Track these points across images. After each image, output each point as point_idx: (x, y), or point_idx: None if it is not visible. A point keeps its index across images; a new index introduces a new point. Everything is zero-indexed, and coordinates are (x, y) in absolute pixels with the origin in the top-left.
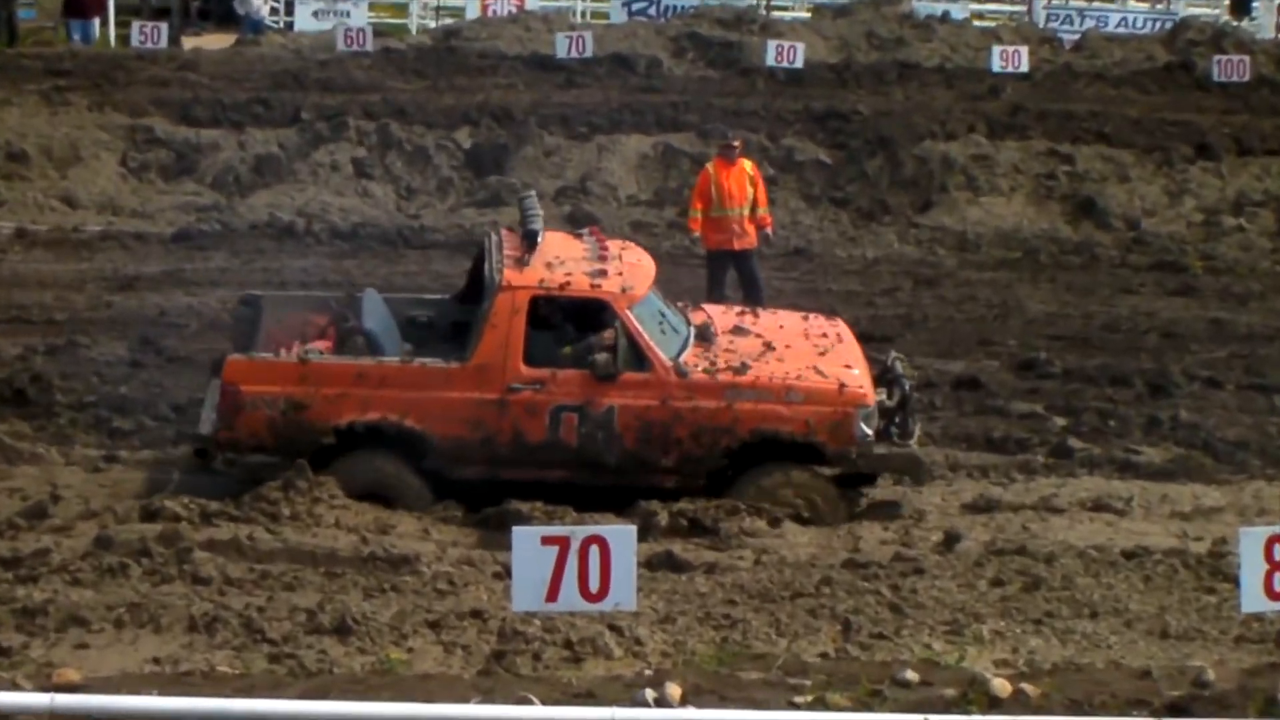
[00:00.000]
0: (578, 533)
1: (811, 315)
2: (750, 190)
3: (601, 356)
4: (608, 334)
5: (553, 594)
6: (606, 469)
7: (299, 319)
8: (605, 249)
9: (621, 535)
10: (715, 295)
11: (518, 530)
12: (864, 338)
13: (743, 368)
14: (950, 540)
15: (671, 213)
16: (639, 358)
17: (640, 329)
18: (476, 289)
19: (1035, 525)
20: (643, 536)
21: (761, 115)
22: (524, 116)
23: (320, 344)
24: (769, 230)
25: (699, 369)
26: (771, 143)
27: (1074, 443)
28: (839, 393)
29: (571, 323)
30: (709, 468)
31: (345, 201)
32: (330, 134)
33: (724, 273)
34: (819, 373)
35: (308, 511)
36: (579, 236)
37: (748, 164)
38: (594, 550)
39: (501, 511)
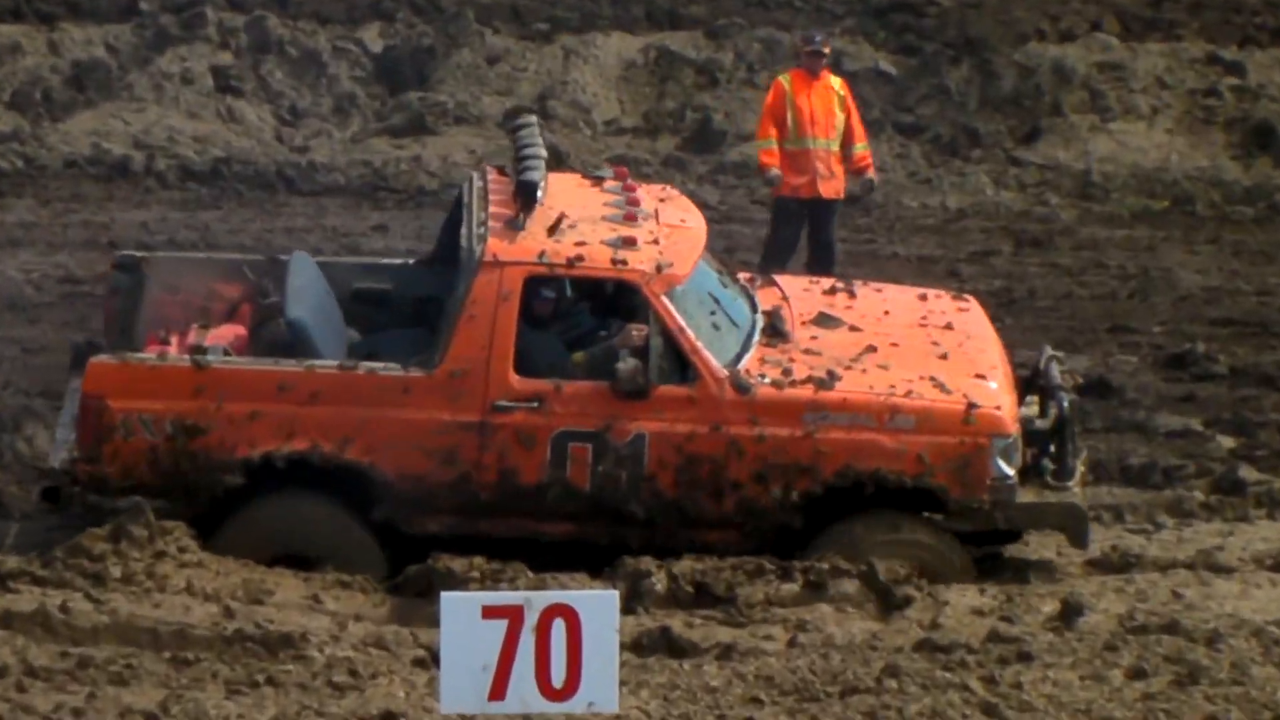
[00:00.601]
0: (535, 601)
1: (932, 294)
2: (840, 117)
3: (627, 363)
4: (636, 331)
5: (498, 690)
6: (632, 522)
7: (198, 294)
8: (635, 202)
9: (598, 605)
10: (778, 261)
11: (448, 597)
12: None
13: (830, 378)
14: (1070, 612)
15: (669, 144)
16: (681, 364)
17: (683, 323)
18: (452, 254)
19: (1192, 591)
20: (629, 607)
21: (797, 6)
22: (457, 7)
23: (224, 333)
24: (871, 175)
25: (767, 380)
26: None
27: (1247, 473)
28: (967, 415)
29: (584, 314)
30: (779, 521)
31: (202, 128)
32: (181, 31)
33: (797, 230)
34: (939, 385)
35: (146, 571)
36: (597, 182)
37: (836, 81)
38: (558, 626)
39: (425, 570)
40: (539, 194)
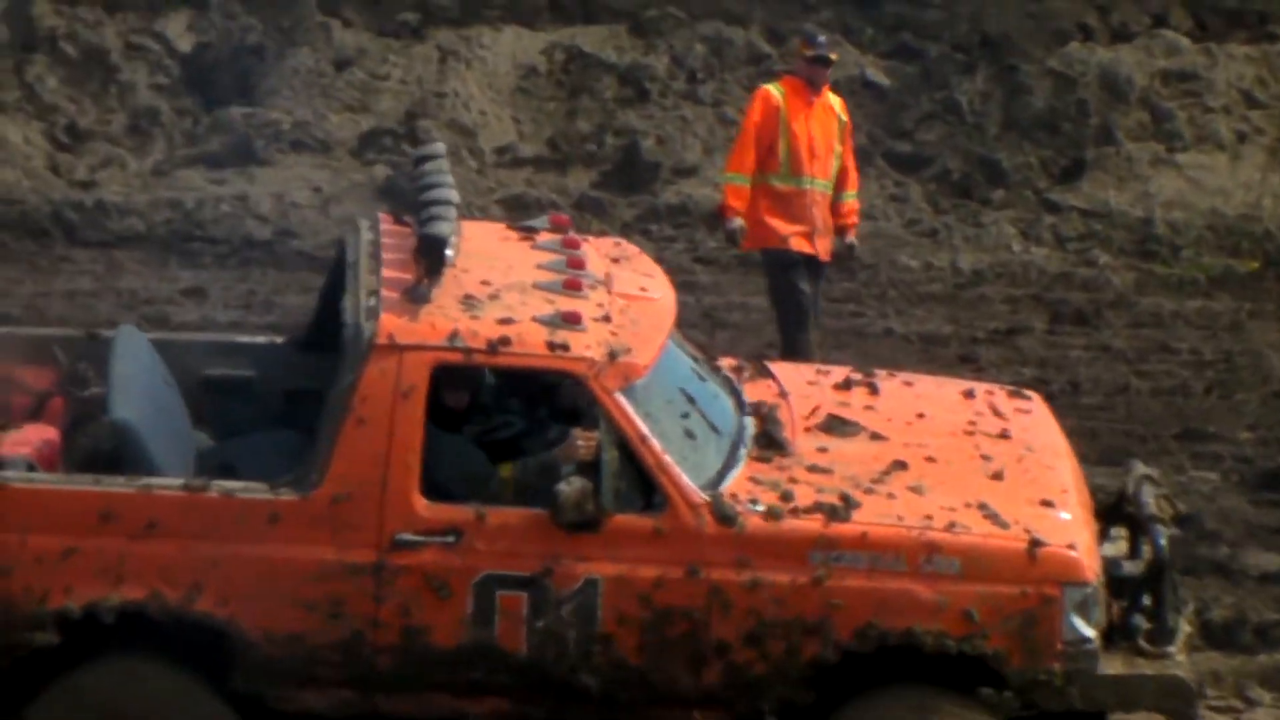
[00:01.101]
0: None
1: (980, 389)
2: (838, 150)
3: (571, 484)
4: (583, 440)
5: None
6: (583, 695)
7: None
8: (579, 264)
9: None
10: (796, 330)
11: None
12: None
13: (845, 506)
14: None
15: (583, 180)
16: (644, 486)
17: (645, 430)
18: (333, 332)
19: None
20: None
21: None
22: None
23: (27, 438)
24: (853, 237)
25: (760, 508)
26: (775, 45)
27: None
28: (1030, 556)
29: (514, 415)
30: (779, 698)
31: None
32: None
33: (804, 282)
34: (991, 516)
35: None
36: (527, 234)
37: (836, 101)
38: None
39: None
40: (449, 252)
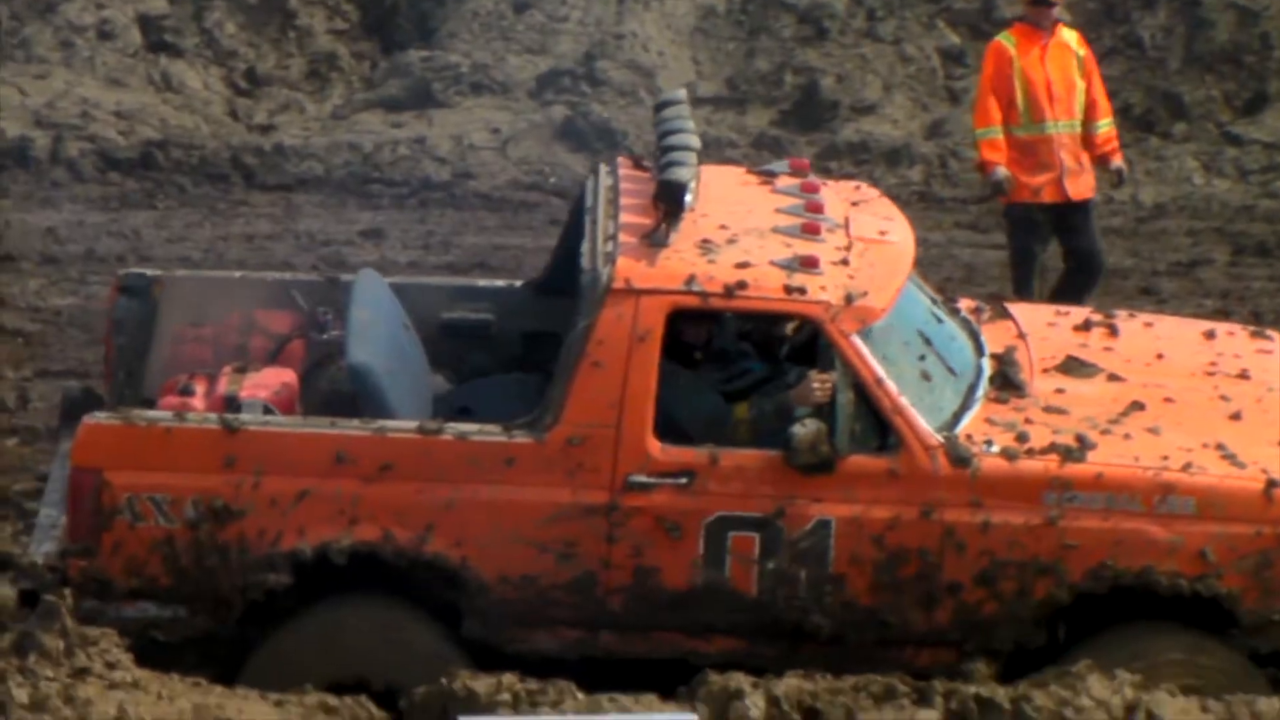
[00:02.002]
0: None
1: (1221, 329)
2: (1081, 86)
3: (806, 426)
4: (819, 382)
5: None
6: (814, 635)
7: (231, 324)
8: (818, 208)
9: None
10: (1024, 284)
11: None
12: None
13: (1081, 446)
14: None
15: (762, 119)
16: (879, 428)
17: (881, 372)
18: (571, 276)
19: None
20: None
21: None
22: None
23: (265, 382)
24: (1119, 161)
25: (995, 449)
26: None
27: None
28: (1266, 498)
29: (749, 358)
30: (1011, 637)
31: (128, 100)
32: None
33: (1042, 245)
34: (1229, 456)
35: (63, 694)
36: (766, 179)
37: (1071, 36)
38: None
39: (439, 691)
40: (689, 197)
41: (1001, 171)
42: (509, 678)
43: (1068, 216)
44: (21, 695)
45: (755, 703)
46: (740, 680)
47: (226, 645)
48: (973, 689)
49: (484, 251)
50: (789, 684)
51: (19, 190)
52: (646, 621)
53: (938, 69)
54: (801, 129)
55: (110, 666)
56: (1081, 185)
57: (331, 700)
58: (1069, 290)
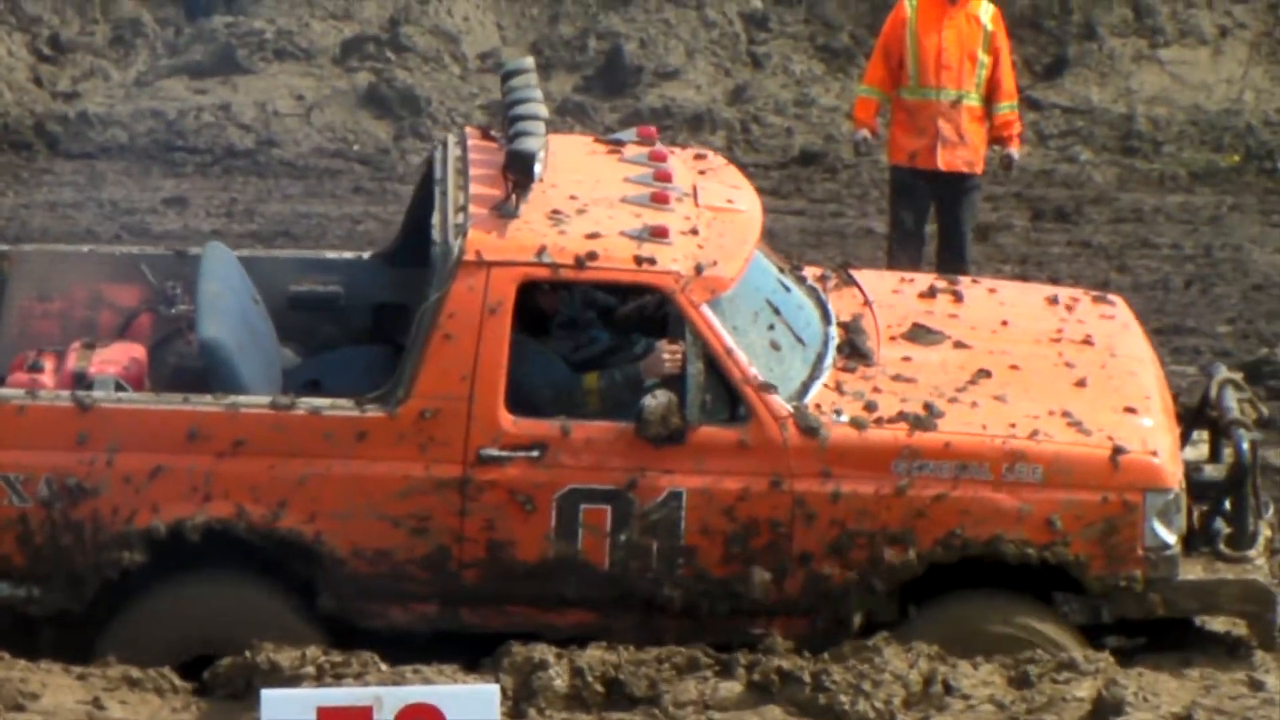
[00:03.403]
0: (388, 699)
1: (1064, 294)
2: (985, 61)
3: (657, 397)
4: (669, 353)
5: None
6: (666, 607)
7: (80, 298)
8: (666, 176)
9: (473, 704)
10: (904, 253)
11: (271, 696)
12: None
13: (928, 415)
14: (1106, 711)
15: (565, 84)
16: (729, 398)
17: (731, 342)
18: (421, 248)
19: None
20: (517, 709)
21: None
22: None
23: (115, 356)
24: (1013, 148)
25: (844, 418)
26: None
27: None
28: (1113, 463)
29: (598, 329)
30: (861, 607)
31: None
32: None
33: (920, 211)
34: (1074, 423)
35: None
36: (614, 147)
37: (986, 10)
38: None
39: (242, 665)
40: (538, 167)
41: (861, 134)
42: (313, 650)
43: (941, 189)
44: None
45: (559, 672)
46: (544, 651)
47: (84, 624)
48: (775, 661)
49: (288, 219)
50: (592, 655)
51: None
52: (501, 595)
53: (740, 34)
54: (605, 95)
55: None
56: (954, 158)
57: (135, 673)
58: (939, 265)
